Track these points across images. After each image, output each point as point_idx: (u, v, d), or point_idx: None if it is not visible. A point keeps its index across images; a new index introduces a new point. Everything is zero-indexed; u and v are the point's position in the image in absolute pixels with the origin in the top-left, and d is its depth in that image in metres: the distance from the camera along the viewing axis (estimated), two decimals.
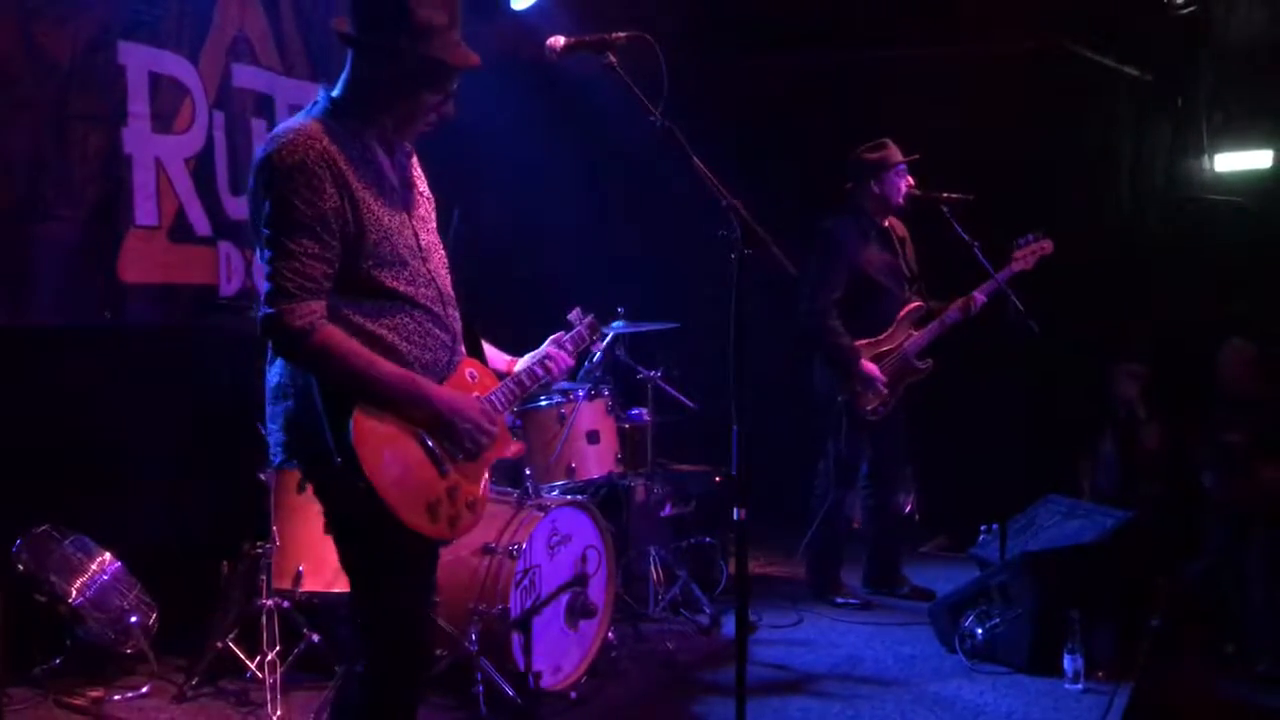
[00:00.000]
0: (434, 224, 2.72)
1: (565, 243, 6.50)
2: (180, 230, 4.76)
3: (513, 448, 2.98)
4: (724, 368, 2.82)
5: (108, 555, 4.19)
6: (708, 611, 5.06)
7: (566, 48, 2.81)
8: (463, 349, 2.71)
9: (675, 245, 6.70)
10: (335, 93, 2.54)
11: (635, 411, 5.23)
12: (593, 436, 4.75)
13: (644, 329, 5.09)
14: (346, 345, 2.40)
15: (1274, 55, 6.56)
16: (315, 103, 2.54)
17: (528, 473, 4.42)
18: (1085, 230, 6.77)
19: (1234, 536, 4.99)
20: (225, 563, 4.26)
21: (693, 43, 6.85)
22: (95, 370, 4.42)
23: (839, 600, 5.39)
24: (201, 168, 4.84)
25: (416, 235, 2.60)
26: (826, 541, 5.47)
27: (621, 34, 2.77)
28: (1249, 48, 6.64)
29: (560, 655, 4.17)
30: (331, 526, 2.61)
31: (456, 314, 2.70)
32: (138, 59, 4.55)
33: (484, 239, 5.25)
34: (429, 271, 2.59)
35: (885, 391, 5.23)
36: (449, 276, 2.71)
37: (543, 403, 4.71)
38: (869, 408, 5.24)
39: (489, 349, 2.97)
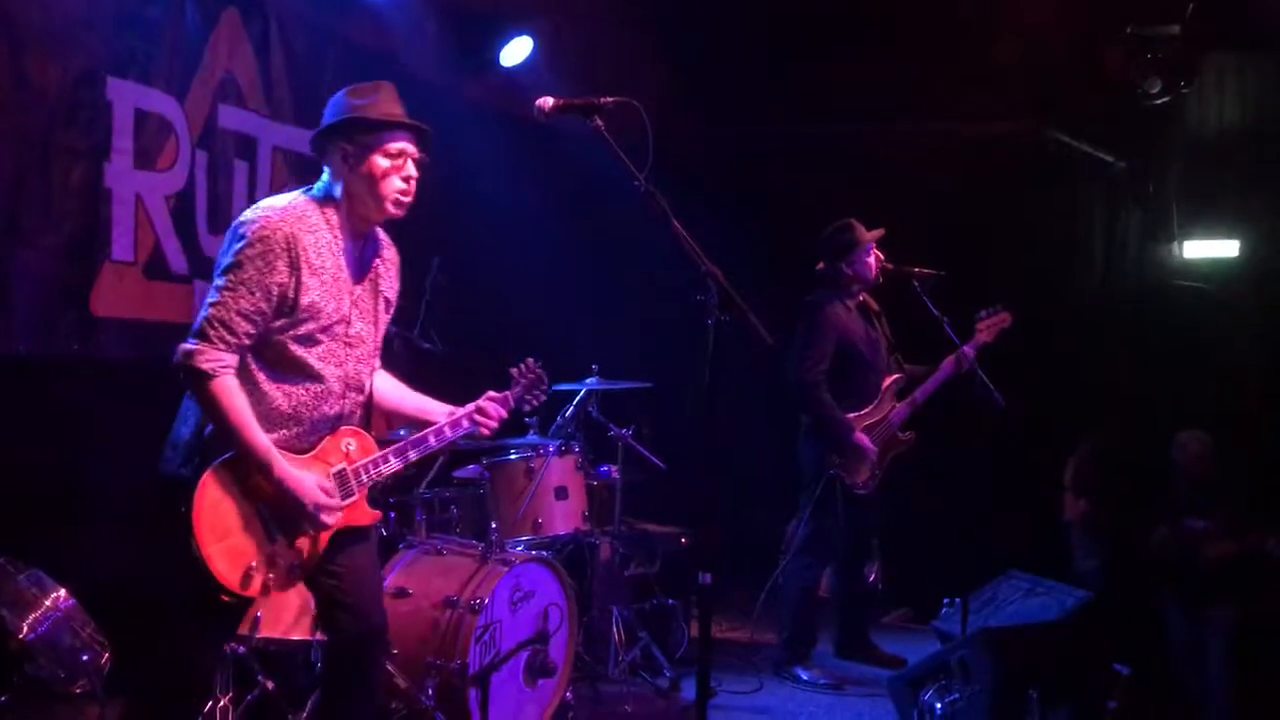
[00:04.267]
0: (378, 319, 3.08)
1: (544, 297, 6.52)
2: (156, 267, 4.74)
3: (368, 517, 3.11)
4: (695, 429, 2.84)
5: (63, 591, 4.09)
6: (667, 675, 5.02)
7: (555, 109, 2.86)
8: (349, 427, 3.05)
9: (653, 305, 6.74)
10: (326, 182, 2.98)
11: (604, 469, 5.22)
12: (561, 492, 4.74)
13: (617, 387, 5.10)
14: (234, 401, 2.76)
15: (1241, 147, 6.73)
16: (311, 186, 2.99)
17: (493, 526, 4.40)
18: (1056, 311, 6.88)
19: (1193, 618, 5.01)
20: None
21: (677, 110, 6.96)
22: (65, 402, 4.36)
23: (805, 676, 5.30)
24: (181, 206, 4.83)
25: (349, 324, 2.97)
26: (805, 613, 5.40)
27: (609, 99, 2.82)
28: (1217, 139, 6.82)
29: (517, 713, 4.12)
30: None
31: (359, 399, 3.06)
32: (125, 95, 4.55)
33: (463, 289, 5.27)
34: (344, 356, 2.97)
35: (875, 462, 5.22)
36: (370, 368, 3.09)
37: (512, 456, 4.69)
38: (860, 480, 5.22)
39: (425, 401, 3.26)
